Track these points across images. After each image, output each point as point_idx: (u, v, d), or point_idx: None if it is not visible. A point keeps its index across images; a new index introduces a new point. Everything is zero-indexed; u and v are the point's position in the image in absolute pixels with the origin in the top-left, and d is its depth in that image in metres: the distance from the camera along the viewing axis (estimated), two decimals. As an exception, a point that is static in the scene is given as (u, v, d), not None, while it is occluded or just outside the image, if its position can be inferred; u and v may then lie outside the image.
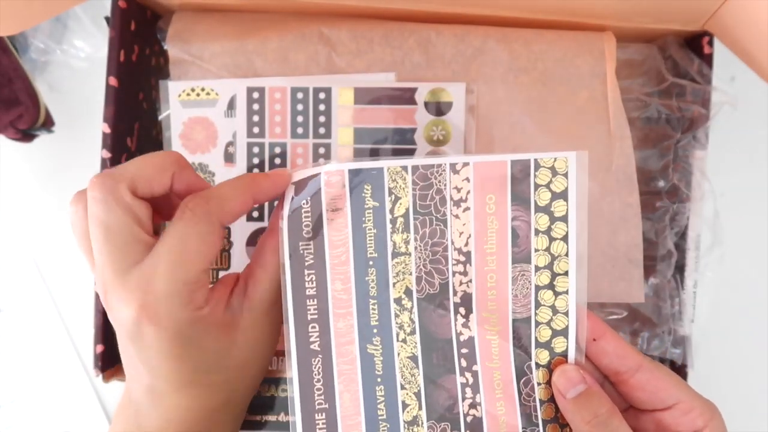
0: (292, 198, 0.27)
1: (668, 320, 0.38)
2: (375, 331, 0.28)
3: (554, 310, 0.28)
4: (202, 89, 0.36)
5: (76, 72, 0.45)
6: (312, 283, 0.28)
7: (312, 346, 0.28)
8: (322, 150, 0.36)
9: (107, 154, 0.35)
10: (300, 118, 0.36)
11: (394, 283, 0.28)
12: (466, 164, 0.27)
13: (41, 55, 0.44)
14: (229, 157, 0.37)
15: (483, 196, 0.28)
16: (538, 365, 0.29)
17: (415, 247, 0.28)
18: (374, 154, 0.36)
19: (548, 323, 0.28)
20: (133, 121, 0.37)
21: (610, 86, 0.36)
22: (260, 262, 0.28)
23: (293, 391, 0.28)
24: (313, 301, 0.28)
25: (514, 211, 0.28)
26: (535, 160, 0.27)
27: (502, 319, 0.28)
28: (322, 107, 0.36)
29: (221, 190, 0.27)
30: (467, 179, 0.28)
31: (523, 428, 0.29)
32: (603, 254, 0.37)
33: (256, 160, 0.37)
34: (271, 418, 0.36)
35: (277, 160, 0.37)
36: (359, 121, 0.36)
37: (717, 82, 0.37)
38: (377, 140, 0.36)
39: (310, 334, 0.28)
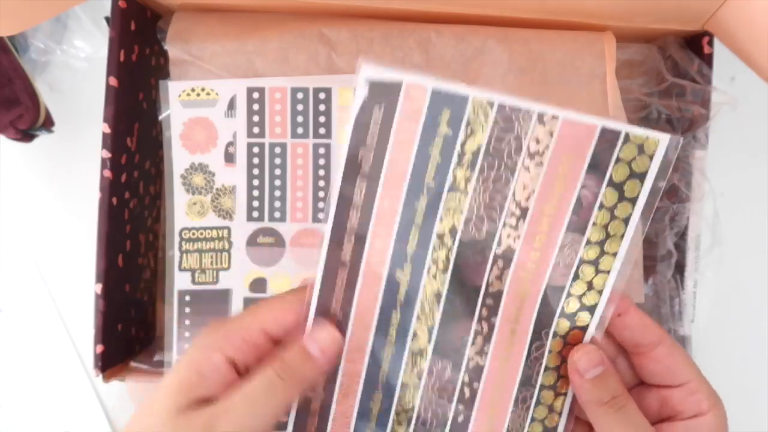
0: (365, 98, 0.25)
1: (668, 320, 0.38)
2: (409, 258, 0.27)
3: (590, 286, 0.28)
4: (203, 89, 0.36)
5: (76, 72, 0.45)
6: (360, 194, 0.27)
7: (342, 257, 0.27)
8: (322, 150, 0.36)
9: (107, 154, 0.35)
10: (300, 119, 0.36)
11: (442, 218, 0.27)
12: (555, 117, 0.25)
13: (41, 55, 0.44)
14: (229, 158, 0.37)
15: (560, 155, 0.26)
16: (555, 334, 0.28)
17: (474, 188, 0.27)
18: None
19: (579, 297, 0.28)
20: (133, 121, 0.37)
21: (610, 86, 0.36)
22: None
23: (313, 295, 0.27)
24: (357, 211, 0.27)
25: (586, 179, 0.26)
26: (627, 133, 0.25)
27: (536, 282, 0.28)
28: (322, 107, 0.36)
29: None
30: (550, 133, 0.26)
31: (519, 386, 0.29)
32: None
33: (256, 160, 0.37)
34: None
35: (277, 160, 0.37)
36: (359, 121, 0.36)
37: (717, 82, 0.37)
38: (377, 140, 0.36)
39: (345, 244, 0.27)
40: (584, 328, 0.28)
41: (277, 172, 0.37)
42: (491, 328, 0.29)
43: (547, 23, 0.36)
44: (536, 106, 0.25)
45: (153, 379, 0.38)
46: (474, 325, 0.28)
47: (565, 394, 0.29)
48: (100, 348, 0.35)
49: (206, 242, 0.37)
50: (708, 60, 0.37)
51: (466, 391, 0.29)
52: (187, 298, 0.37)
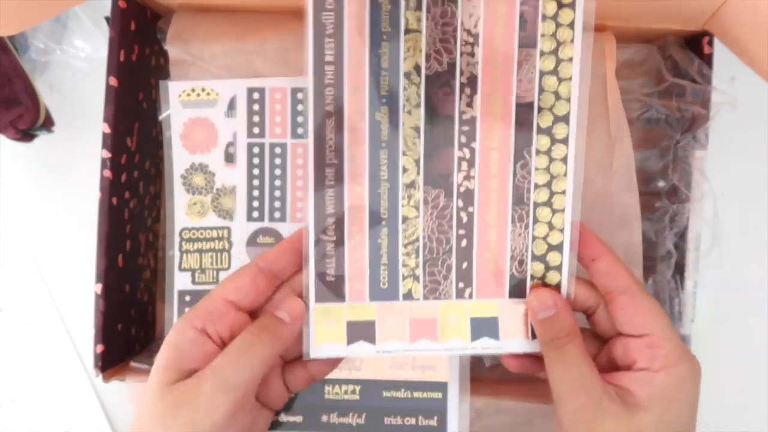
0: None
1: (668, 320, 0.38)
2: (384, 101, 0.30)
3: (557, 96, 0.30)
4: (203, 89, 0.36)
5: (76, 72, 0.45)
6: (331, 50, 0.30)
7: (327, 108, 0.30)
8: (322, 150, 0.36)
9: (107, 154, 0.35)
10: (300, 118, 0.36)
11: (405, 58, 0.30)
12: None
13: (41, 55, 0.44)
14: (229, 158, 0.37)
15: None
16: (538, 151, 0.30)
17: (426, 26, 0.29)
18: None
19: (550, 109, 0.30)
20: (133, 121, 0.37)
21: (610, 87, 0.36)
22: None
23: (309, 151, 0.30)
24: (331, 66, 0.30)
25: None
26: None
27: (506, 102, 0.30)
28: (322, 107, 0.36)
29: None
30: None
31: (513, 205, 0.31)
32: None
33: (256, 161, 0.37)
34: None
35: (278, 160, 0.37)
36: (359, 121, 0.36)
37: (717, 82, 0.37)
38: (377, 140, 0.36)
39: (326, 96, 0.30)
40: (565, 141, 0.30)
41: (277, 172, 0.37)
42: (473, 152, 0.31)
43: (547, 23, 0.36)
44: None
45: (153, 379, 0.38)
46: (456, 152, 0.31)
47: (563, 211, 0.31)
48: (100, 348, 0.35)
49: (206, 242, 0.37)
50: (708, 60, 0.37)
51: (463, 215, 0.31)
52: (187, 298, 0.37)
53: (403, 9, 0.29)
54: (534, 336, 0.31)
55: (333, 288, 0.31)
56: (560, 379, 0.28)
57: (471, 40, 0.30)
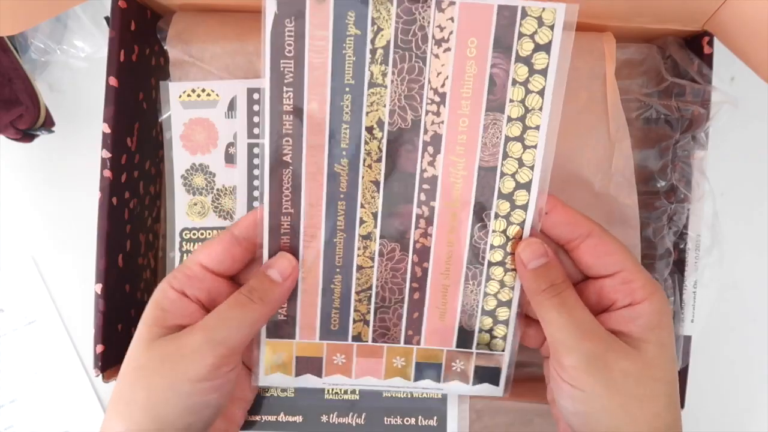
0: (275, 13, 0.28)
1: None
2: (344, 153, 0.30)
3: (520, 163, 0.29)
4: (203, 90, 0.36)
5: (76, 72, 0.45)
6: (289, 100, 0.29)
7: (284, 158, 0.29)
8: (322, 150, 0.36)
9: (107, 154, 0.35)
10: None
11: (367, 112, 0.29)
12: (452, 3, 0.27)
13: (41, 55, 0.44)
14: (229, 158, 0.37)
15: (465, 39, 0.28)
16: (497, 215, 0.30)
17: (392, 81, 0.29)
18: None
19: (513, 175, 0.30)
20: (133, 121, 0.37)
21: (610, 87, 0.36)
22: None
23: (264, 197, 0.30)
24: (289, 116, 0.29)
25: (494, 58, 0.28)
26: (523, 8, 0.27)
27: (469, 165, 0.30)
28: (322, 107, 0.36)
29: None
30: (451, 19, 0.28)
31: (468, 263, 0.31)
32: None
33: (256, 161, 0.37)
34: (270, 418, 0.36)
35: (277, 161, 0.37)
36: (359, 121, 0.36)
37: (717, 82, 0.37)
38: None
39: (284, 146, 0.29)
40: (525, 207, 0.30)
41: (277, 172, 0.37)
42: (432, 211, 0.30)
43: (547, 23, 0.36)
44: None
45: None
46: (415, 209, 0.30)
47: (515, 270, 0.31)
48: (100, 348, 0.35)
49: (206, 242, 0.37)
50: (708, 60, 0.37)
51: (417, 270, 0.31)
52: (188, 298, 0.37)
53: (369, 61, 0.28)
54: (476, 382, 0.32)
55: (284, 326, 0.32)
56: (564, 326, 0.28)
57: (437, 99, 0.29)
